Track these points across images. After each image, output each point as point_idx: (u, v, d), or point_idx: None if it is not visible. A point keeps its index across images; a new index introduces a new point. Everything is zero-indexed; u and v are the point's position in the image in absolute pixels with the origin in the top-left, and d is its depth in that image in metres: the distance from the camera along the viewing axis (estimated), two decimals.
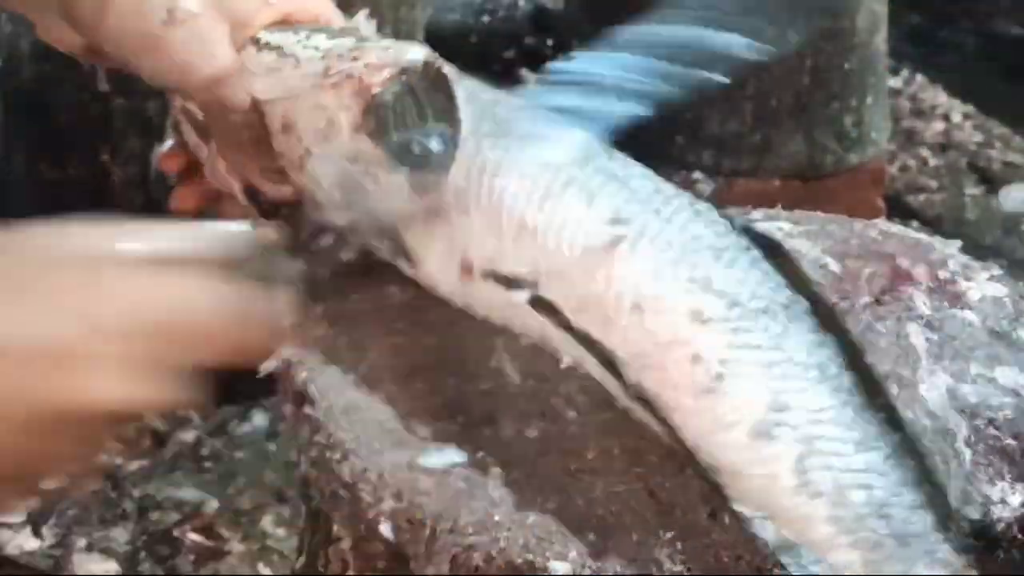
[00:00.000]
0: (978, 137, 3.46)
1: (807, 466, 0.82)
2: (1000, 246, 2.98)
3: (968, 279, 1.09)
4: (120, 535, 2.12)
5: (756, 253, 0.91)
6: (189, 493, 2.20)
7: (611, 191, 0.91)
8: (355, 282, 1.06)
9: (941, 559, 0.79)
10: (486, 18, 3.66)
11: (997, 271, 1.11)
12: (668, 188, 0.95)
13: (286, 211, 1.01)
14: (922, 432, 0.93)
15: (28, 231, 0.80)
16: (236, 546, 2.10)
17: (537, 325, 0.93)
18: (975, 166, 3.34)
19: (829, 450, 0.82)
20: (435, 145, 0.91)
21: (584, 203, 0.90)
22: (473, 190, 0.92)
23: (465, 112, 0.94)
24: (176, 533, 2.12)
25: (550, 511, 0.86)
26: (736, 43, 0.92)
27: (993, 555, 0.89)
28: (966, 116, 3.53)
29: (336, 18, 1.03)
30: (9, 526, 2.13)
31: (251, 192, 1.02)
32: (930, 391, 0.97)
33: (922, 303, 1.05)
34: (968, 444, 0.93)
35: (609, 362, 0.88)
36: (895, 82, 3.48)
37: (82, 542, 2.10)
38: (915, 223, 2.89)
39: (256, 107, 0.95)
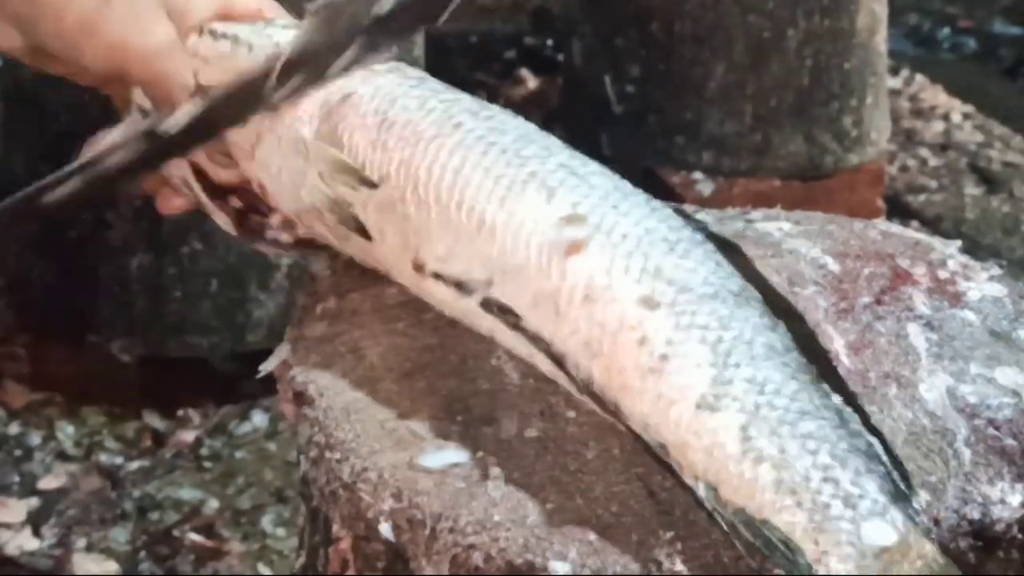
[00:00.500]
0: (978, 137, 3.47)
1: (751, 434, 0.82)
2: (1000, 246, 2.99)
3: (968, 279, 1.09)
4: (120, 535, 2.12)
5: (711, 246, 0.92)
6: (189, 493, 2.20)
7: (570, 186, 0.92)
8: (355, 282, 1.06)
9: (890, 521, 0.79)
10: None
11: (997, 271, 1.11)
12: (625, 185, 0.95)
13: (233, 194, 1.04)
14: (922, 432, 0.93)
15: None
16: (236, 546, 2.10)
17: (487, 325, 0.93)
18: (975, 166, 3.34)
19: (774, 418, 0.83)
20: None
21: (544, 199, 0.91)
22: (434, 183, 0.93)
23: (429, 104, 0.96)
24: (176, 533, 2.12)
25: (550, 511, 0.86)
26: None
27: (993, 555, 0.89)
28: (966, 116, 3.54)
29: (278, 13, 1.05)
30: (9, 526, 2.13)
31: (200, 174, 1.04)
32: (930, 391, 0.97)
33: (922, 303, 1.05)
34: (968, 444, 0.93)
35: (559, 359, 0.90)
36: (895, 82, 3.49)
37: (82, 542, 2.10)
38: (915, 223, 2.90)
39: (202, 92, 0.96)
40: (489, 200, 0.92)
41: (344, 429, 0.92)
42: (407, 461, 0.90)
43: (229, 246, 2.16)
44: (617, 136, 2.74)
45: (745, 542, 0.81)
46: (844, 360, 0.98)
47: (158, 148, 0.94)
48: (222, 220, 1.06)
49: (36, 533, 2.09)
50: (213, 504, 2.15)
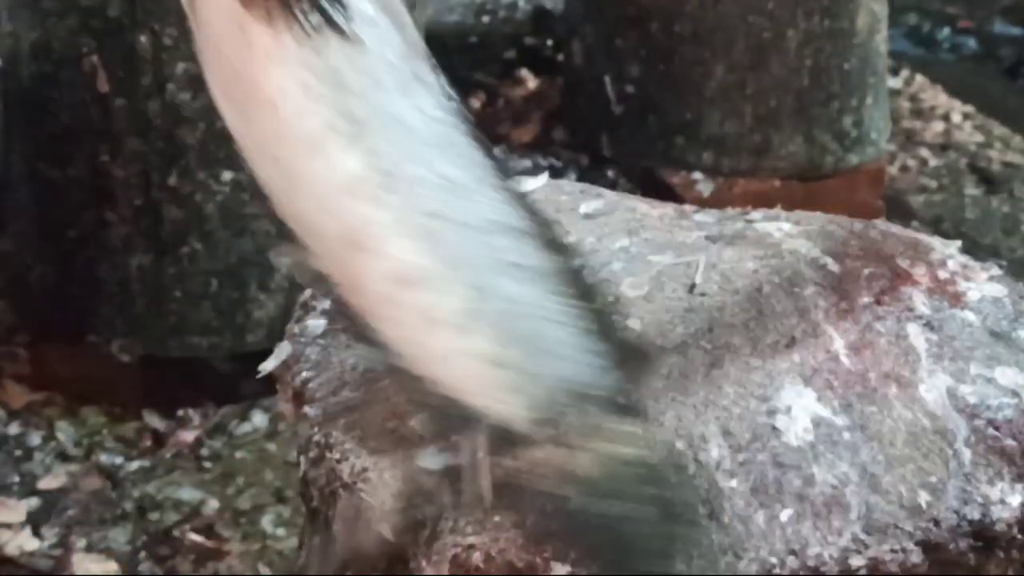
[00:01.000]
0: (978, 137, 3.46)
1: (449, 290, 0.82)
2: (1000, 246, 2.99)
3: (968, 279, 1.09)
4: (120, 535, 2.12)
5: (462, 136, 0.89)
6: (189, 493, 2.20)
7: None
8: None
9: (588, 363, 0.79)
10: (486, 18, 3.66)
11: (996, 271, 1.11)
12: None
13: None
14: (922, 432, 0.93)
15: None
16: (236, 546, 2.10)
17: None
18: (975, 166, 3.34)
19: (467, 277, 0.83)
20: None
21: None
22: None
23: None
24: (176, 533, 2.12)
25: (550, 511, 0.86)
26: None
27: (993, 555, 0.89)
28: (966, 116, 3.54)
29: None
30: (9, 526, 2.13)
31: None
32: (930, 391, 0.97)
33: (922, 303, 1.05)
34: (968, 444, 0.93)
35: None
36: (895, 83, 3.48)
37: (82, 542, 2.10)
38: (915, 223, 2.89)
39: None
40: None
41: (344, 429, 0.92)
42: (407, 461, 0.90)
43: (229, 246, 2.16)
44: (617, 136, 2.74)
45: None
46: (844, 360, 0.98)
47: None
48: None
49: (36, 533, 2.08)
50: (213, 504, 2.14)
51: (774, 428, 0.93)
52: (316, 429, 0.93)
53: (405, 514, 0.87)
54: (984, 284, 1.08)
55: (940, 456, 0.92)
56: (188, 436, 2.32)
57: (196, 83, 1.98)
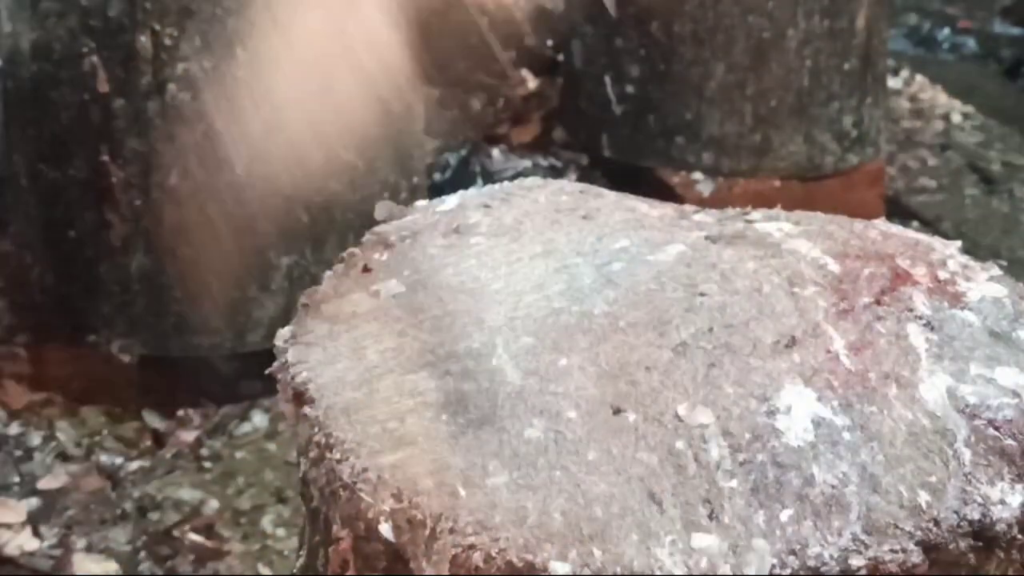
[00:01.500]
0: (978, 137, 3.46)
1: None
2: (1000, 246, 2.99)
3: (968, 279, 1.09)
4: (120, 535, 2.12)
5: None
6: (189, 493, 2.20)
7: None
8: (355, 282, 1.06)
9: None
10: (486, 19, 3.66)
11: (997, 271, 1.11)
12: None
13: None
14: (922, 432, 0.93)
15: None
16: (236, 546, 2.10)
17: None
18: (975, 166, 3.34)
19: None
20: None
21: None
22: None
23: None
24: (176, 533, 2.12)
25: (550, 511, 0.86)
26: None
27: (993, 555, 0.89)
28: (966, 116, 3.54)
29: None
30: (9, 526, 2.13)
31: None
32: (930, 391, 0.97)
33: (922, 303, 1.05)
34: (968, 444, 0.93)
35: None
36: (895, 83, 3.49)
37: (82, 542, 2.10)
38: (915, 223, 2.89)
39: None
40: None
41: (344, 429, 0.92)
42: (407, 461, 0.90)
43: (229, 246, 2.16)
44: (617, 136, 2.74)
45: None
46: (844, 360, 0.98)
47: None
48: None
49: (36, 533, 2.08)
50: (213, 504, 2.14)
51: (774, 428, 0.93)
52: (316, 429, 0.93)
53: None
54: (984, 284, 1.08)
55: (940, 456, 0.92)
56: (188, 436, 2.32)
57: (196, 83, 1.98)
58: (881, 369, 0.98)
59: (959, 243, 1.14)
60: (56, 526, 2.11)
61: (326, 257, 2.13)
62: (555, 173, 2.75)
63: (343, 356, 0.99)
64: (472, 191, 1.20)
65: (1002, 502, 0.89)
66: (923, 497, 0.88)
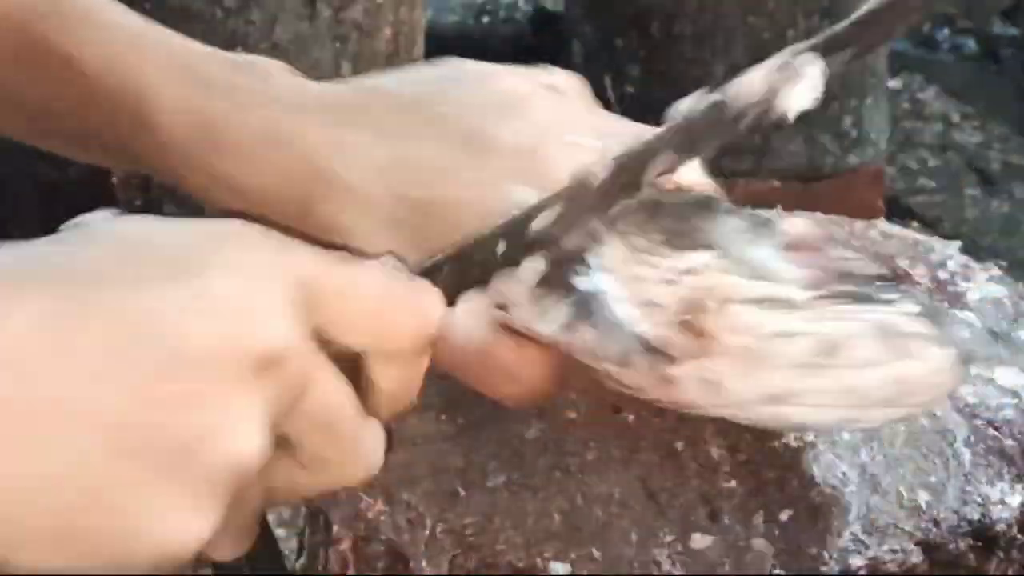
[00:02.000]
0: (977, 137, 3.47)
1: None
2: (1000, 247, 2.99)
3: (967, 280, 1.09)
4: None
5: None
6: None
7: None
8: None
9: None
10: (486, 18, 3.66)
11: (996, 272, 1.11)
12: None
13: None
14: (921, 432, 0.93)
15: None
16: None
17: None
18: (974, 167, 3.34)
19: None
20: None
21: None
22: None
23: None
24: None
25: (550, 511, 0.86)
26: None
27: (993, 556, 0.89)
28: (965, 117, 3.54)
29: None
30: None
31: None
32: None
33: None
34: (967, 445, 0.93)
35: None
36: (894, 83, 3.49)
37: None
38: (915, 224, 2.90)
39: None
40: None
41: None
42: (407, 461, 0.90)
43: None
44: None
45: None
46: None
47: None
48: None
49: None
50: None
51: (774, 428, 0.93)
52: None
53: None
54: (984, 285, 1.08)
55: (940, 456, 0.92)
56: None
57: None
58: None
59: (959, 244, 1.14)
60: None
61: None
62: None
63: None
64: None
65: (1002, 502, 0.89)
66: (923, 497, 0.88)
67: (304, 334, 0.59)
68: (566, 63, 3.06)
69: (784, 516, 0.87)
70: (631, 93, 2.74)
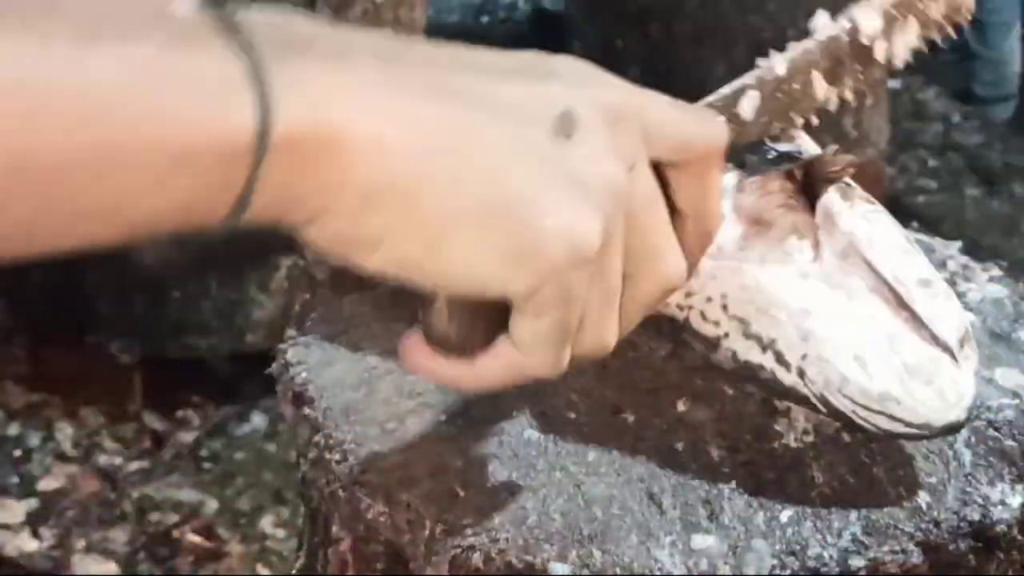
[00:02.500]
0: (978, 138, 3.46)
1: None
2: (1000, 247, 2.99)
3: (968, 280, 1.09)
4: (119, 536, 2.12)
5: None
6: (188, 494, 2.20)
7: None
8: (355, 283, 1.06)
9: None
10: (486, 18, 3.66)
11: (997, 272, 1.11)
12: None
13: None
14: None
15: None
16: (235, 547, 2.10)
17: None
18: (975, 167, 3.34)
19: None
20: None
21: None
22: None
23: None
24: (175, 534, 2.12)
25: (550, 511, 0.86)
26: None
27: (993, 556, 0.88)
28: (965, 117, 3.54)
29: None
30: (8, 527, 2.13)
31: None
32: None
33: None
34: (968, 445, 0.93)
35: None
36: (894, 83, 3.48)
37: (81, 543, 2.10)
38: (915, 224, 2.90)
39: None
40: None
41: (344, 430, 0.92)
42: (407, 461, 0.90)
43: (229, 246, 2.16)
44: None
45: None
46: None
47: None
48: None
49: (35, 534, 2.08)
50: (212, 505, 2.14)
51: (774, 428, 0.93)
52: (315, 430, 0.93)
53: None
54: (984, 285, 1.08)
55: (940, 457, 0.92)
56: (187, 437, 2.32)
57: None
58: None
59: (959, 244, 1.14)
60: (55, 527, 2.11)
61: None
62: None
63: (343, 357, 0.99)
64: None
65: (1002, 503, 0.89)
66: (923, 498, 0.88)
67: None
68: None
69: (784, 516, 0.87)
70: None
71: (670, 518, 0.87)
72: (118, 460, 2.24)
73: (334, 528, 0.93)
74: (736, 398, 0.95)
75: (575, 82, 0.73)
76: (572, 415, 0.93)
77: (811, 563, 0.85)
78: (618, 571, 0.83)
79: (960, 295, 1.07)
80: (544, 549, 0.84)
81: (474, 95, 0.67)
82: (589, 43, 2.86)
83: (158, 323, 2.24)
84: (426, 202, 0.65)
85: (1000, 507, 0.89)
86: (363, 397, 0.95)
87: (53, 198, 0.60)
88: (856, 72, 0.97)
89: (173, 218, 0.62)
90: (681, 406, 0.94)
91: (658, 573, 0.84)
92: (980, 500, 0.89)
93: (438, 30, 3.25)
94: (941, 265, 1.10)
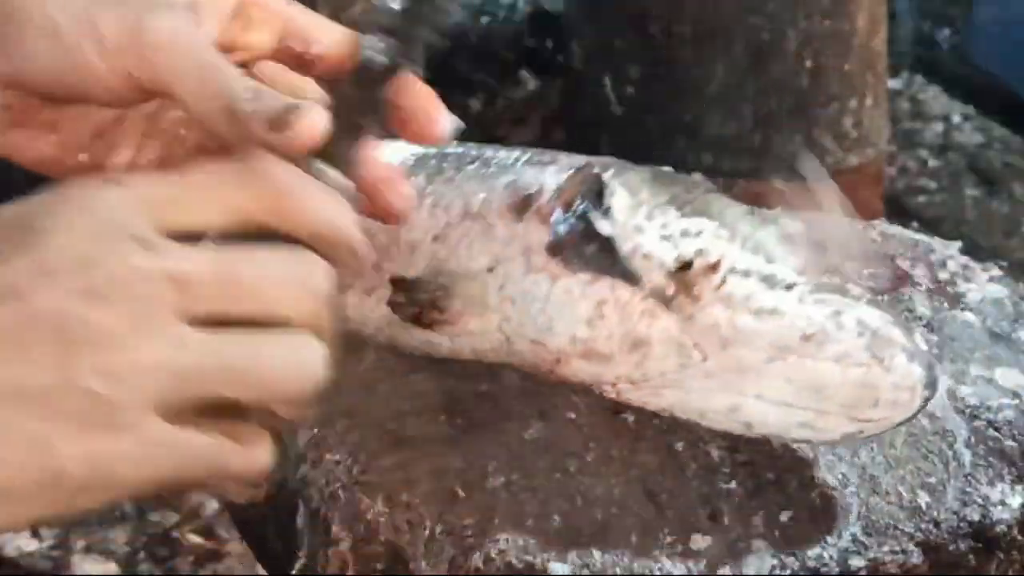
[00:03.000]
0: (978, 138, 3.46)
1: None
2: (1000, 247, 2.98)
3: (968, 280, 1.09)
4: (119, 536, 2.12)
5: None
6: (188, 494, 2.19)
7: None
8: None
9: None
10: (486, 18, 3.66)
11: (997, 272, 1.11)
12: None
13: None
14: (922, 433, 0.93)
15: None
16: (235, 547, 2.09)
17: None
18: (975, 167, 3.34)
19: None
20: None
21: None
22: None
23: None
24: (175, 534, 2.12)
25: (550, 512, 0.86)
26: None
27: (993, 556, 0.89)
28: (966, 117, 3.53)
29: None
30: None
31: None
32: None
33: (922, 304, 1.05)
34: (968, 446, 0.93)
35: None
36: (895, 83, 3.48)
37: (81, 543, 2.10)
38: (915, 224, 2.89)
39: None
40: None
41: (344, 430, 0.92)
42: (406, 461, 0.90)
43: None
44: (617, 137, 2.74)
45: None
46: None
47: None
48: None
49: (35, 534, 2.08)
50: (212, 505, 2.14)
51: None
52: (315, 430, 0.93)
53: None
54: (984, 285, 1.08)
55: (940, 457, 0.92)
56: None
57: None
58: None
59: (959, 244, 1.14)
60: (55, 527, 2.11)
61: None
62: None
63: (343, 356, 0.99)
64: None
65: (1002, 503, 0.89)
66: (923, 498, 0.88)
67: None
68: (566, 63, 3.06)
69: (784, 516, 0.87)
70: (631, 93, 2.74)
71: (670, 518, 0.87)
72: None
73: (334, 528, 0.93)
74: None
75: None
76: (572, 415, 0.93)
77: (811, 563, 0.85)
78: (618, 571, 0.83)
79: (960, 295, 1.07)
80: (544, 549, 0.84)
81: None
82: (589, 43, 2.86)
83: None
84: None
85: (1000, 507, 0.89)
86: (363, 397, 0.95)
87: None
88: None
89: None
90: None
91: (658, 573, 0.84)
92: (980, 500, 0.89)
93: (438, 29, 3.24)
94: (941, 265, 1.10)
